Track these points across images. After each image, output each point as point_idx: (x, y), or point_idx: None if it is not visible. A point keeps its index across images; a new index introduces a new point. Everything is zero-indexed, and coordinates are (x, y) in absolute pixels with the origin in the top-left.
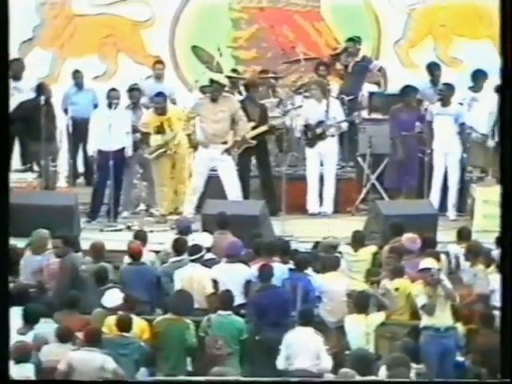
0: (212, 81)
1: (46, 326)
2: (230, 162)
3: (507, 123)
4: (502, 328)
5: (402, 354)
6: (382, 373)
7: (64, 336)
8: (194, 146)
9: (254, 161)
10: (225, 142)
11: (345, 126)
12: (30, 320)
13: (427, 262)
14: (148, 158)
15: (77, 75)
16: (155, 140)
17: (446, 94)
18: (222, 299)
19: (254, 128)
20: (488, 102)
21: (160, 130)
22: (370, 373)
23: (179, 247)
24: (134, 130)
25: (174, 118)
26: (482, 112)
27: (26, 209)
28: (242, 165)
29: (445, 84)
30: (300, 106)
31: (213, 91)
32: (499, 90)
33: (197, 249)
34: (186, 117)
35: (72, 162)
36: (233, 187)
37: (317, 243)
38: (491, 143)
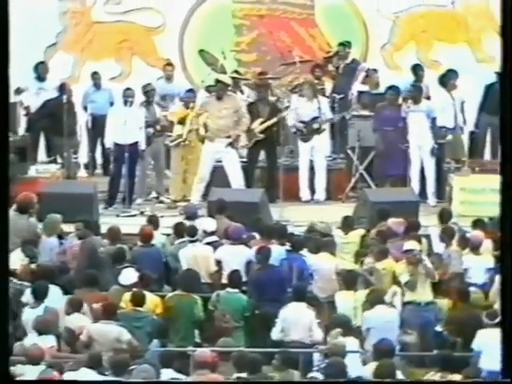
0: (217, 81)
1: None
2: (233, 154)
3: (507, 116)
4: (502, 328)
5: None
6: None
7: (75, 306)
8: (200, 140)
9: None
10: (228, 137)
11: (336, 120)
12: (38, 296)
13: (410, 244)
14: (169, 145)
15: (95, 76)
16: (176, 130)
17: (417, 94)
18: (231, 278)
19: (262, 123)
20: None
21: (181, 122)
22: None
23: (179, 231)
24: (147, 126)
25: (191, 115)
26: (456, 107)
27: (50, 196)
28: (250, 157)
29: (413, 85)
30: (288, 106)
31: (218, 90)
32: (500, 84)
33: (193, 230)
34: (195, 113)
35: (91, 155)
36: (236, 177)
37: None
38: (464, 136)
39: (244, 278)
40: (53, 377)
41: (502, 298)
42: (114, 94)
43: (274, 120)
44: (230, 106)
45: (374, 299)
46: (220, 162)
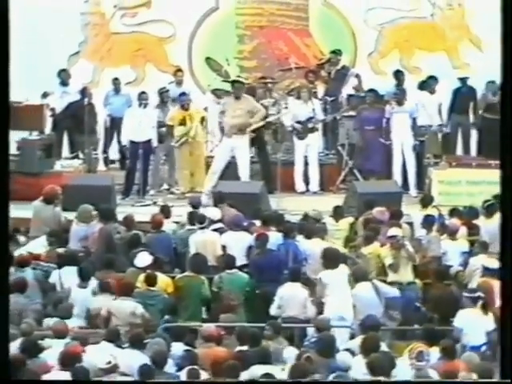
0: (234, 81)
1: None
2: (246, 150)
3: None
4: (502, 328)
5: None
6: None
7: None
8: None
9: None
10: (243, 133)
11: (328, 120)
12: (84, 277)
13: (393, 231)
14: (173, 145)
15: (116, 82)
16: (178, 130)
17: (400, 96)
18: (225, 261)
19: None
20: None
21: (182, 123)
22: None
23: (190, 219)
24: (160, 125)
25: (193, 114)
26: (435, 109)
27: (73, 188)
28: None
29: (397, 89)
30: (286, 107)
31: (236, 90)
32: (501, 85)
33: (202, 218)
34: (194, 113)
35: (109, 151)
36: (245, 170)
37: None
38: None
39: (245, 262)
40: (76, 348)
41: (502, 298)
42: (132, 97)
43: (262, 123)
44: (245, 105)
45: (358, 276)
46: (233, 157)
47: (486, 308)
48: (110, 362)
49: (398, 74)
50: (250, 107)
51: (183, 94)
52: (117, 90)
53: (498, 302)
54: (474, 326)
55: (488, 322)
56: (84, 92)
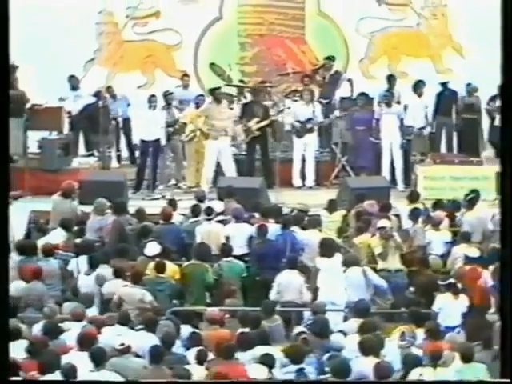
0: (214, 88)
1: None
2: (229, 150)
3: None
4: (502, 328)
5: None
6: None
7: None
8: (205, 137)
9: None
10: (227, 135)
11: (327, 123)
12: (93, 265)
13: (383, 222)
14: (183, 140)
15: (109, 90)
16: (189, 127)
17: (389, 99)
18: (223, 250)
19: (258, 122)
20: (425, 103)
21: (192, 121)
22: None
23: (195, 211)
24: (168, 125)
25: (197, 115)
26: (421, 111)
27: (89, 184)
28: (248, 150)
29: (386, 92)
30: (289, 107)
31: (217, 95)
32: (501, 85)
33: (209, 211)
34: (196, 115)
35: (121, 149)
36: (230, 168)
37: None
38: (426, 134)
39: (246, 251)
40: (92, 331)
41: (502, 298)
42: (141, 99)
43: (268, 121)
44: (227, 109)
45: (349, 262)
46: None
47: (458, 293)
48: (123, 344)
49: (391, 79)
50: (232, 112)
51: (201, 95)
52: (113, 97)
53: (476, 287)
54: (450, 309)
55: (462, 305)
56: (98, 95)
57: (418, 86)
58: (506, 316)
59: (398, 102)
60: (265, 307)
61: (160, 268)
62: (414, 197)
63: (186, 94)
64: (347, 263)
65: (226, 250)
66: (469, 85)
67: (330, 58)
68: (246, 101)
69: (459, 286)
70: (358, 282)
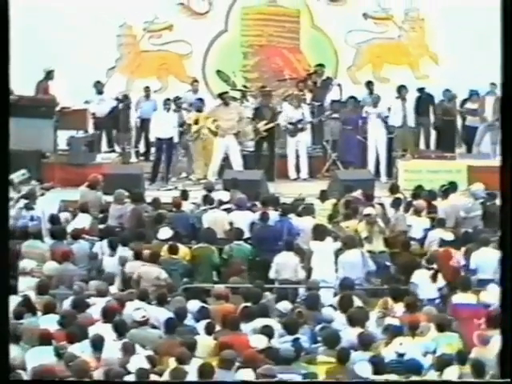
0: (222, 93)
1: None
2: (237, 147)
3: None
4: (502, 328)
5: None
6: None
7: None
8: (214, 134)
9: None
10: (235, 134)
11: (315, 122)
12: (114, 247)
13: (368, 210)
14: (188, 139)
15: (146, 89)
16: (194, 128)
17: (375, 101)
18: (235, 234)
19: (266, 124)
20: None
21: (196, 122)
22: None
23: (206, 201)
24: (179, 125)
25: (204, 115)
26: (402, 112)
27: (111, 176)
28: (256, 148)
29: (372, 95)
30: (280, 111)
31: (225, 99)
32: (501, 85)
33: (210, 200)
34: (205, 116)
35: (139, 146)
36: (237, 162)
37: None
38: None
39: (248, 235)
40: (114, 306)
41: (502, 298)
42: (157, 103)
43: (275, 123)
44: (234, 111)
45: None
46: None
47: (436, 274)
48: (144, 317)
49: (369, 84)
50: (238, 111)
51: (199, 99)
52: (147, 97)
53: (449, 266)
54: (428, 283)
55: (439, 281)
56: (119, 99)
57: (401, 91)
58: (505, 316)
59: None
60: (257, 286)
61: (173, 250)
62: (394, 188)
63: (195, 97)
64: (347, 245)
65: (237, 234)
66: (448, 91)
67: (321, 65)
68: (258, 105)
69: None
70: (356, 262)
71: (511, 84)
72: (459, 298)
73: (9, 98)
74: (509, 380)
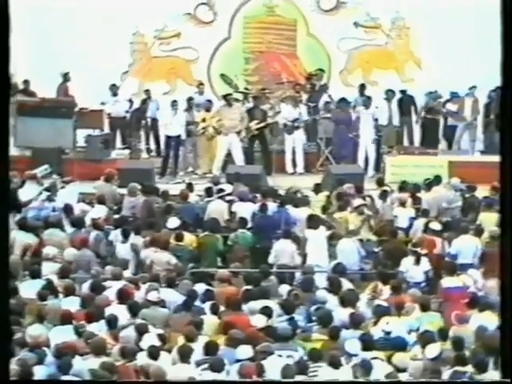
0: (226, 94)
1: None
2: (239, 144)
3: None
4: (502, 328)
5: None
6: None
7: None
8: (218, 133)
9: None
10: (237, 132)
11: (310, 121)
12: (127, 236)
13: (358, 201)
14: (197, 134)
15: (146, 92)
16: (201, 125)
17: (365, 102)
18: (239, 223)
19: (257, 124)
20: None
21: (203, 120)
22: None
23: (208, 192)
24: (188, 124)
25: (210, 115)
26: (388, 112)
27: (125, 171)
28: (250, 145)
29: (362, 96)
30: (279, 112)
31: (229, 100)
32: (502, 85)
33: (211, 191)
34: (211, 116)
35: (150, 143)
36: (239, 158)
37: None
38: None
39: (250, 224)
40: (128, 288)
41: (502, 298)
42: (165, 104)
43: (264, 124)
44: (237, 111)
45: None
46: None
47: (419, 258)
48: (159, 297)
49: (362, 87)
50: (240, 111)
51: (208, 100)
52: (148, 98)
53: (433, 253)
54: (414, 268)
55: (424, 265)
56: (132, 100)
57: (388, 94)
58: (505, 316)
59: (377, 107)
60: (261, 271)
61: (180, 238)
62: (380, 182)
63: (201, 98)
64: (346, 235)
65: (242, 223)
66: (433, 93)
67: (322, 70)
68: (250, 106)
69: (420, 251)
70: (351, 249)
71: (511, 84)
72: (448, 281)
73: (9, 97)
74: (509, 380)
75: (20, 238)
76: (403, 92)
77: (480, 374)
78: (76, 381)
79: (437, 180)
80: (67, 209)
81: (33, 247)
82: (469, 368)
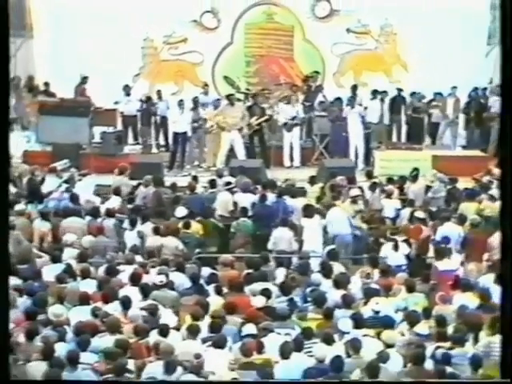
0: (229, 94)
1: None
2: (240, 140)
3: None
4: (502, 328)
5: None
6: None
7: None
8: (222, 129)
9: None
10: (239, 129)
11: (306, 119)
12: (134, 223)
13: (355, 191)
14: (206, 131)
15: (158, 92)
16: (209, 123)
17: (354, 102)
18: (241, 211)
19: (256, 119)
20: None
21: (212, 119)
22: None
23: (212, 184)
24: (193, 121)
25: (214, 113)
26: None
27: (136, 165)
28: (250, 140)
29: (352, 96)
30: (278, 112)
31: (231, 99)
32: (501, 85)
33: (214, 183)
34: (215, 114)
35: (159, 139)
36: (241, 153)
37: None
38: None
39: (250, 213)
40: (140, 272)
41: (502, 298)
42: (173, 103)
43: (264, 118)
44: (239, 109)
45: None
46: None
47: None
48: (162, 281)
49: (354, 88)
50: (242, 110)
51: (217, 99)
52: (160, 98)
53: (419, 240)
54: (396, 253)
55: (406, 251)
56: (142, 100)
57: (375, 94)
58: (505, 316)
59: (360, 105)
60: (262, 257)
61: (187, 226)
62: (369, 174)
63: (206, 98)
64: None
65: (244, 212)
66: (418, 93)
67: (317, 73)
68: (250, 104)
69: (405, 238)
70: (342, 218)
71: (511, 84)
72: (442, 264)
73: (9, 97)
74: (509, 380)
75: (38, 227)
76: (399, 90)
77: (460, 348)
78: (77, 381)
79: (422, 173)
80: (73, 198)
81: (49, 235)
82: (449, 344)
